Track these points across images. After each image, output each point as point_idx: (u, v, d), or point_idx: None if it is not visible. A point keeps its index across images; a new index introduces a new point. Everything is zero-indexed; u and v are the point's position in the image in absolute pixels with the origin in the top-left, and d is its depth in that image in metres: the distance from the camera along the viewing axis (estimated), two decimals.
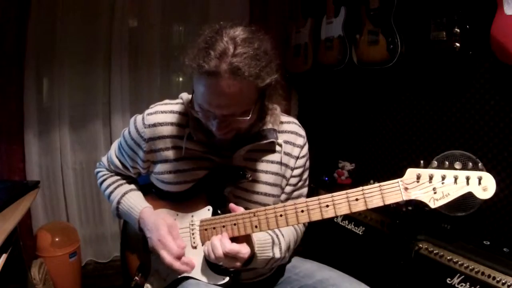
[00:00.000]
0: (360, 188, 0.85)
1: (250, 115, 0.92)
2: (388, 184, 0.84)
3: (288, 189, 1.14)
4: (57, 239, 2.08)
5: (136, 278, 1.12)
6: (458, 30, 1.54)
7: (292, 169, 1.12)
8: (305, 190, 1.19)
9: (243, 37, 0.87)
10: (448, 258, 1.43)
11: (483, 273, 1.32)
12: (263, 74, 0.88)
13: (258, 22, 0.98)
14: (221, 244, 0.93)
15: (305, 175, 1.18)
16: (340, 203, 0.86)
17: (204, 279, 1.01)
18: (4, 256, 1.29)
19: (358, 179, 2.26)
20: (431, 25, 1.63)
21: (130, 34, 2.39)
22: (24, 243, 1.95)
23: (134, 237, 1.18)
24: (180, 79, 2.71)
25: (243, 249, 0.93)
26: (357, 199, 0.85)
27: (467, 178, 0.79)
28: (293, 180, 1.14)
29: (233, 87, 0.85)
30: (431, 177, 0.81)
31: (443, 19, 1.59)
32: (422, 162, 0.84)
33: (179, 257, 0.97)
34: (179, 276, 1.03)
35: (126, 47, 2.38)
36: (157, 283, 1.08)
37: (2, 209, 1.40)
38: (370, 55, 1.96)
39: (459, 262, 1.39)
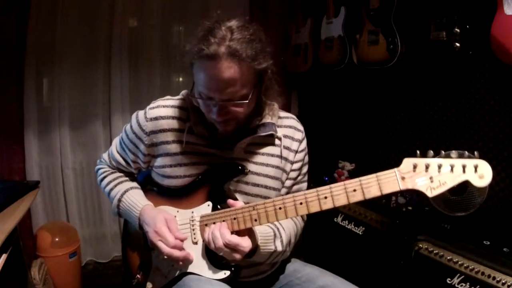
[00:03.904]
0: (358, 179, 0.86)
1: (248, 100, 0.95)
2: (385, 174, 0.84)
3: (288, 183, 1.15)
4: (57, 239, 2.08)
5: (138, 276, 1.12)
6: (458, 30, 1.54)
7: (292, 162, 1.14)
8: (304, 185, 1.21)
9: (238, 25, 0.93)
10: (448, 258, 1.43)
11: (483, 273, 1.31)
12: (259, 57, 0.93)
13: (258, 22, 1.00)
14: (221, 234, 0.94)
15: (304, 170, 1.20)
16: (338, 194, 0.87)
17: (205, 273, 1.02)
18: (4, 256, 1.29)
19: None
20: (431, 25, 1.63)
21: (130, 34, 2.39)
22: (24, 243, 1.95)
23: (135, 236, 1.18)
24: (180, 79, 2.71)
25: (244, 242, 0.94)
26: (355, 190, 0.86)
27: (464, 166, 0.79)
28: (292, 174, 1.16)
29: (231, 69, 0.89)
30: (427, 166, 0.81)
31: (443, 19, 1.59)
32: (418, 151, 0.84)
33: (176, 247, 0.98)
34: (180, 272, 1.04)
35: (126, 47, 2.38)
36: (158, 280, 1.09)
37: (2, 209, 1.40)
38: (370, 55, 1.96)
39: (459, 262, 1.39)
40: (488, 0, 1.42)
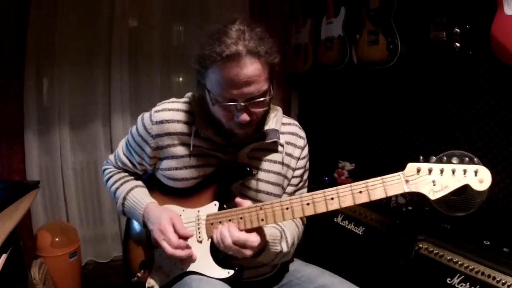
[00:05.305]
0: (364, 181, 0.89)
1: (271, 95, 0.98)
2: (390, 177, 0.88)
3: (289, 189, 1.17)
4: (57, 239, 2.08)
5: (138, 274, 1.12)
6: (458, 30, 1.54)
7: (293, 169, 1.16)
8: (305, 190, 1.22)
9: (246, 25, 0.94)
10: (448, 258, 1.43)
11: (483, 273, 1.32)
12: (273, 51, 0.96)
13: (258, 22, 1.01)
14: (229, 232, 0.94)
15: (305, 176, 1.22)
16: (345, 196, 0.90)
17: (208, 272, 1.02)
18: (4, 256, 1.29)
19: (358, 179, 2.24)
20: (431, 25, 1.63)
21: (130, 34, 2.39)
22: (24, 243, 1.95)
23: (137, 233, 1.19)
24: (180, 79, 2.71)
25: (252, 237, 0.94)
26: (360, 192, 0.89)
27: (464, 171, 0.83)
28: (294, 181, 1.17)
29: (254, 64, 0.91)
30: (430, 170, 0.85)
31: (443, 19, 1.59)
32: (421, 157, 0.88)
33: (179, 247, 0.98)
34: (182, 271, 1.04)
35: (126, 47, 2.38)
36: (160, 279, 1.09)
37: (2, 209, 1.40)
38: (370, 55, 1.96)
39: (459, 262, 1.39)
40: (488, 0, 1.42)
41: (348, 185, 0.90)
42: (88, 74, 2.38)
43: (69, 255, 2.09)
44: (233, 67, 0.90)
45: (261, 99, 0.95)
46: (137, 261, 1.16)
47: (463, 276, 1.37)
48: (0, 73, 2.02)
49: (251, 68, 0.91)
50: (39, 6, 2.12)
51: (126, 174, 1.22)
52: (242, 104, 0.93)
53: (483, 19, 1.48)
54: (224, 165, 1.08)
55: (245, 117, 0.95)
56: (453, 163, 0.84)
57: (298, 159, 1.16)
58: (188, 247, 1.01)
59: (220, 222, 1.02)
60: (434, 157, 0.87)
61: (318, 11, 2.37)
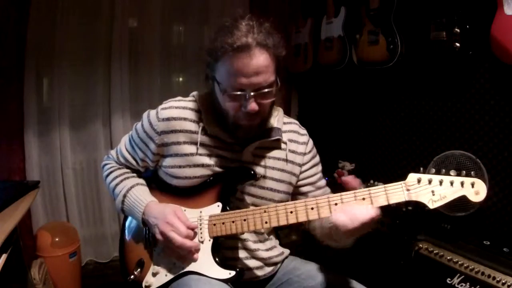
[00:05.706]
0: (367, 188, 0.93)
1: (278, 86, 1.02)
2: (392, 186, 0.93)
3: (313, 179, 1.19)
4: (57, 239, 2.08)
5: (135, 272, 1.11)
6: (458, 30, 1.54)
7: (300, 165, 1.17)
8: (323, 181, 1.25)
9: (255, 20, 0.99)
10: (448, 258, 1.43)
11: (483, 273, 1.32)
12: (281, 45, 1.00)
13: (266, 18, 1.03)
14: (359, 210, 0.91)
15: (320, 168, 1.24)
16: (348, 202, 0.94)
17: (209, 272, 1.02)
18: (4, 256, 1.29)
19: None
20: (431, 25, 1.63)
21: (130, 34, 2.39)
22: (24, 243, 1.95)
23: (134, 232, 1.19)
24: (180, 79, 2.71)
25: (377, 212, 0.92)
26: (364, 198, 0.93)
27: (462, 183, 0.89)
28: (309, 173, 1.19)
29: (263, 55, 0.96)
30: (430, 181, 0.91)
31: (443, 19, 1.59)
32: (421, 169, 0.94)
33: (188, 237, 1.00)
34: (181, 271, 1.04)
35: (126, 47, 2.38)
36: (157, 278, 1.09)
37: (2, 209, 1.40)
38: (370, 55, 1.96)
39: (459, 262, 1.39)
40: (488, 0, 1.43)
41: (352, 191, 0.94)
42: (88, 74, 2.37)
43: (69, 255, 2.09)
44: (243, 58, 0.93)
45: (269, 89, 0.98)
46: (134, 260, 1.16)
47: (463, 276, 1.37)
48: (0, 73, 2.02)
49: (261, 58, 0.94)
50: (39, 6, 2.11)
51: (127, 170, 1.22)
52: (251, 93, 0.96)
53: (483, 19, 1.48)
54: (229, 167, 1.09)
55: (253, 105, 0.97)
56: (451, 175, 0.90)
57: (304, 154, 1.18)
58: (195, 236, 1.03)
59: (223, 223, 1.03)
60: (433, 169, 0.93)
61: (318, 11, 2.37)
